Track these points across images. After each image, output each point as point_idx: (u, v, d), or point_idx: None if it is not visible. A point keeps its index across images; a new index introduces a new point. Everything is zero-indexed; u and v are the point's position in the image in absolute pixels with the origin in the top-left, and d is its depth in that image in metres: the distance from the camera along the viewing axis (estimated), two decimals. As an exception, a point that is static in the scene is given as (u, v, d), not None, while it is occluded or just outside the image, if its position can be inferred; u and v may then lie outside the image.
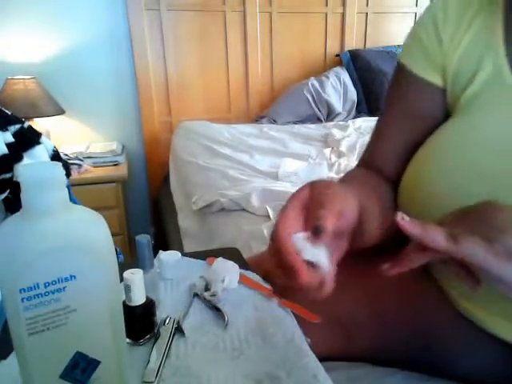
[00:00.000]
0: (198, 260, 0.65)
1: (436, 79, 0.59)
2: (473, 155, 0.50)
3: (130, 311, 0.45)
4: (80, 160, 1.91)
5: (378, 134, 0.67)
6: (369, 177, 0.62)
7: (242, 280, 0.59)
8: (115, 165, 1.98)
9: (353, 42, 2.42)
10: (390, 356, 0.58)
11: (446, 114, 0.60)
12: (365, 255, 0.54)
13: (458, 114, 0.56)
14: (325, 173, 1.56)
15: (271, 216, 1.22)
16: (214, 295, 0.54)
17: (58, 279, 0.31)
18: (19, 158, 0.76)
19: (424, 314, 0.58)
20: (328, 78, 2.28)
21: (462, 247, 0.36)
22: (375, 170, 0.64)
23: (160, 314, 0.51)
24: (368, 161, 0.66)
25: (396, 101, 0.64)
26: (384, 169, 0.63)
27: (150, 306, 0.47)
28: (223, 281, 0.56)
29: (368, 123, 2.07)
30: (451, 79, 0.58)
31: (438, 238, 0.36)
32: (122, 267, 0.43)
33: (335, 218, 0.40)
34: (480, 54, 0.54)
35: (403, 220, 0.37)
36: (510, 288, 0.36)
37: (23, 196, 0.31)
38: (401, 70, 0.62)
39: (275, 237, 0.39)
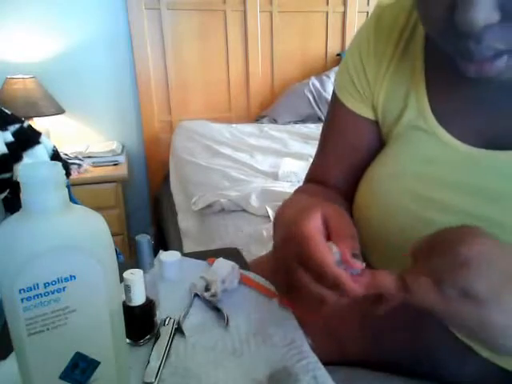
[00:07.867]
0: (198, 260, 0.64)
1: (368, 114, 0.58)
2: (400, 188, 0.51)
3: (129, 311, 0.45)
4: (80, 160, 1.91)
5: (320, 156, 0.66)
6: (330, 195, 0.61)
7: (243, 280, 0.59)
8: (115, 164, 1.98)
9: (353, 42, 2.42)
10: (389, 362, 0.58)
11: (383, 143, 0.59)
12: None
13: (390, 147, 0.56)
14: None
15: (271, 216, 1.22)
16: (214, 295, 0.54)
17: (58, 279, 0.31)
18: (19, 158, 0.75)
19: (412, 321, 0.57)
20: (329, 77, 2.28)
21: (412, 294, 0.36)
22: (328, 186, 0.63)
23: (160, 314, 0.51)
24: (318, 179, 0.65)
25: (332, 132, 0.63)
26: (337, 185, 0.63)
27: (150, 307, 0.47)
28: (223, 281, 0.56)
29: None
30: (381, 118, 0.58)
31: (387, 286, 0.37)
32: (122, 267, 0.43)
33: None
34: (402, 96, 0.53)
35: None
36: (458, 328, 0.36)
37: (23, 196, 0.31)
38: (336, 100, 0.61)
39: (308, 246, 0.39)
